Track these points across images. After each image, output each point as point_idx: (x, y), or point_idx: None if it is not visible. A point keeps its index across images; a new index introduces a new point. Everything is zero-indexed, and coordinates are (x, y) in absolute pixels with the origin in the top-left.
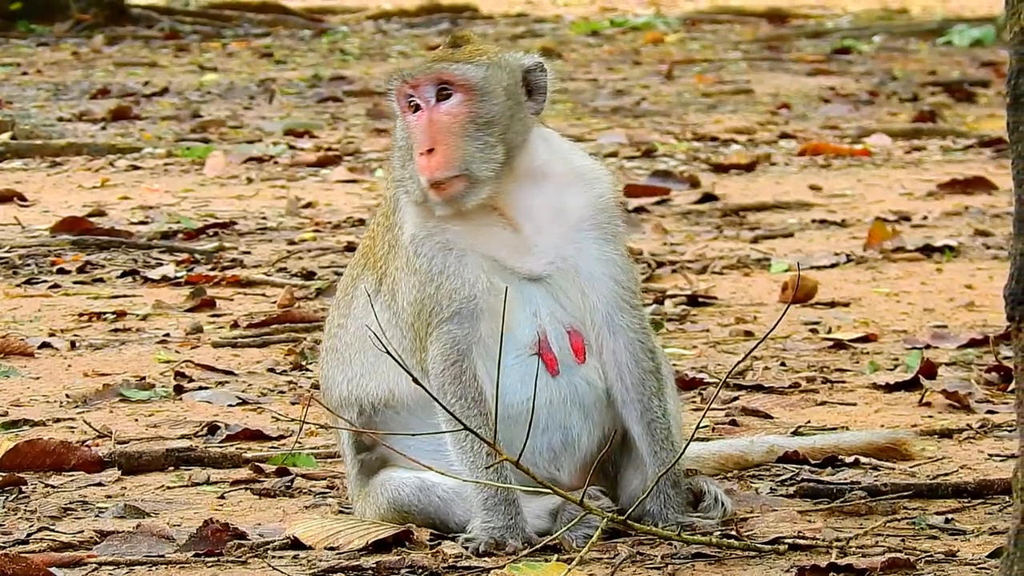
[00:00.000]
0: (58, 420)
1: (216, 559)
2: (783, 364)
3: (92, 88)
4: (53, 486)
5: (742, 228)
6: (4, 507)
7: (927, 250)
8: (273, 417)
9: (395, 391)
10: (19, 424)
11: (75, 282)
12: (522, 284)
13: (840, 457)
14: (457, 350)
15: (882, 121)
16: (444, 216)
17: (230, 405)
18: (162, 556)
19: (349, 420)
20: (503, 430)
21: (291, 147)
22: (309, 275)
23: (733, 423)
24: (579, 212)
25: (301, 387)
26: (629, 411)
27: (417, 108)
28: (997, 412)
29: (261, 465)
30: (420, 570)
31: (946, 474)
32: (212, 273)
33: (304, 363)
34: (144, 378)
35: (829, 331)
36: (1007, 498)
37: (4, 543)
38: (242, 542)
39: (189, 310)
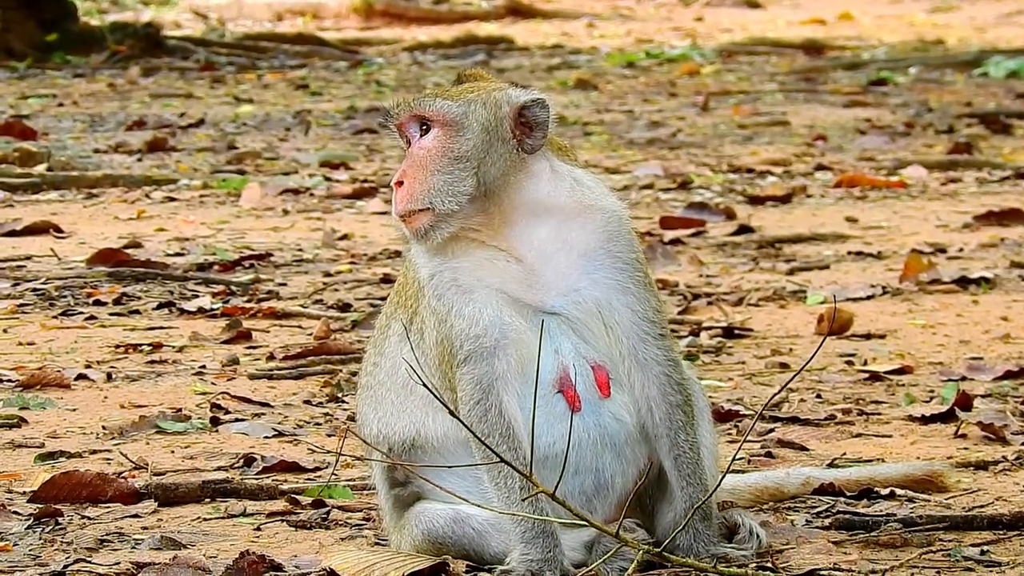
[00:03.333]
0: (94, 452)
1: None
2: (819, 396)
3: (128, 119)
4: (90, 518)
5: (778, 260)
6: (41, 539)
7: (963, 282)
8: (309, 449)
9: (421, 431)
10: (56, 456)
11: (111, 314)
12: (540, 319)
13: (876, 489)
14: (480, 389)
15: (918, 153)
16: (451, 253)
17: (266, 437)
18: None
19: (383, 454)
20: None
21: (327, 179)
22: (345, 307)
23: (769, 455)
24: (585, 243)
25: (337, 419)
26: (660, 445)
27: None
28: None
29: (297, 497)
30: None
31: (982, 506)
32: (248, 305)
33: (340, 395)
34: (180, 410)
35: (865, 363)
36: None
37: (41, 575)
38: (278, 574)
39: (225, 342)
